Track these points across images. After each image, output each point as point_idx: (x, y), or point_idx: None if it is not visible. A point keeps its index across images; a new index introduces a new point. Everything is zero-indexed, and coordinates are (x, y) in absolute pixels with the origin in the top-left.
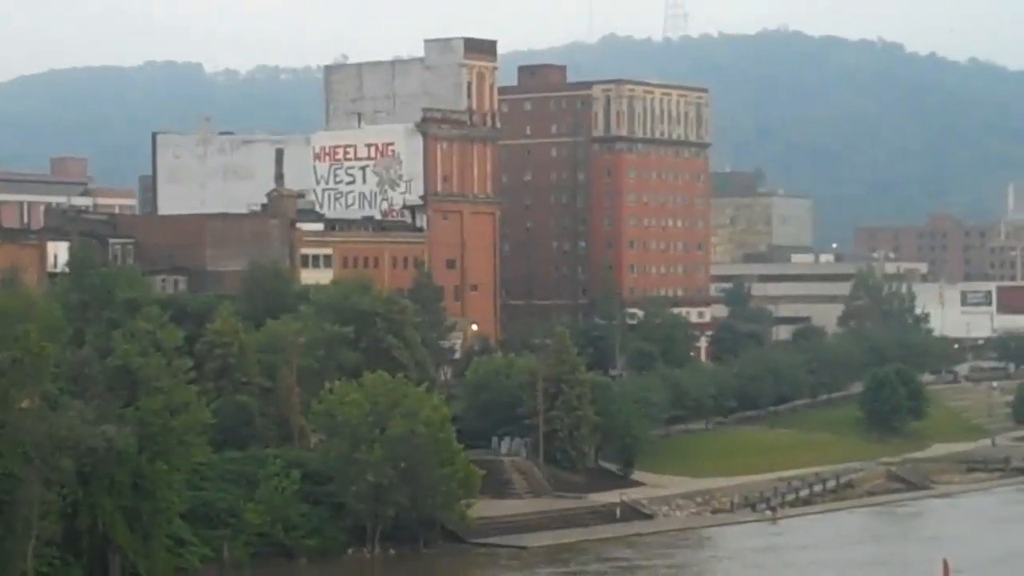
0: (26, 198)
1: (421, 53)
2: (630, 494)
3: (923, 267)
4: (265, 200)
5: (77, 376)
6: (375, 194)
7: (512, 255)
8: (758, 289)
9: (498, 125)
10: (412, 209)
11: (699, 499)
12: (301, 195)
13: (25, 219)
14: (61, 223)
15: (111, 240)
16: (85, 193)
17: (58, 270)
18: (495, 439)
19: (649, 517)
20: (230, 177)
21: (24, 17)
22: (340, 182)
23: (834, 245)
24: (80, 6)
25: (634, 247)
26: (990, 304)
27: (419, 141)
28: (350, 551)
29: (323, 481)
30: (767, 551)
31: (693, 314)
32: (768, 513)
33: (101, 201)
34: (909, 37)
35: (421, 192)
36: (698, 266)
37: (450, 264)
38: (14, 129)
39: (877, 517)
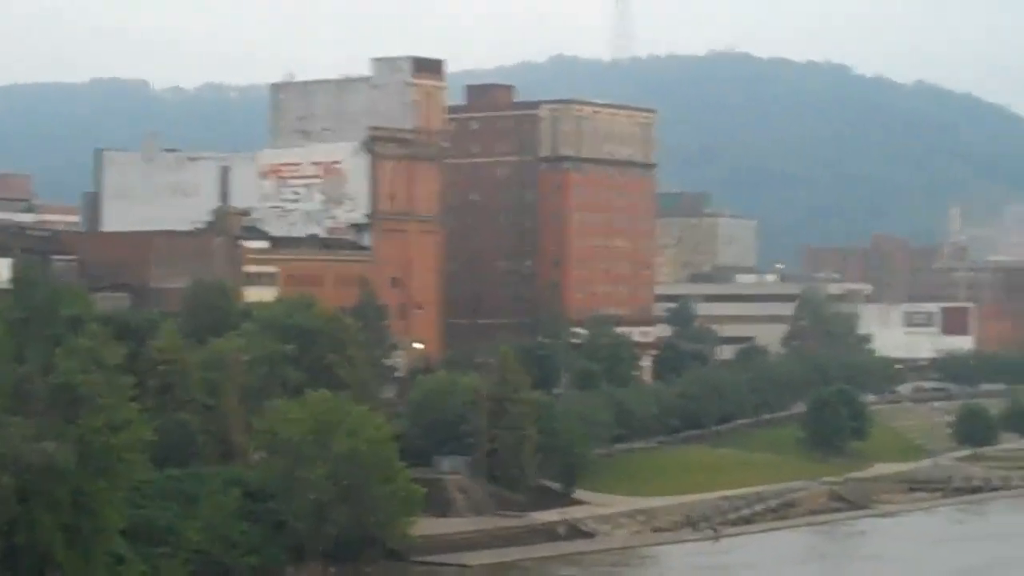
0: None
1: (368, 72)
2: (572, 513)
3: (867, 288)
4: (210, 218)
5: (18, 393)
6: (320, 212)
7: (458, 274)
8: (703, 309)
9: (445, 144)
10: (357, 227)
11: (641, 518)
12: (246, 213)
13: None
14: (3, 239)
15: (54, 257)
16: (28, 209)
17: (0, 287)
18: (437, 457)
19: (591, 536)
20: (175, 194)
21: None
22: (285, 200)
23: (779, 265)
24: (25, 21)
25: (579, 266)
26: (933, 325)
27: (365, 160)
28: (290, 569)
29: (264, 499)
30: (712, 570)
31: (637, 333)
32: (710, 532)
33: (45, 218)
34: (856, 59)
35: (367, 211)
36: (643, 286)
37: (395, 283)
38: None
39: (819, 536)
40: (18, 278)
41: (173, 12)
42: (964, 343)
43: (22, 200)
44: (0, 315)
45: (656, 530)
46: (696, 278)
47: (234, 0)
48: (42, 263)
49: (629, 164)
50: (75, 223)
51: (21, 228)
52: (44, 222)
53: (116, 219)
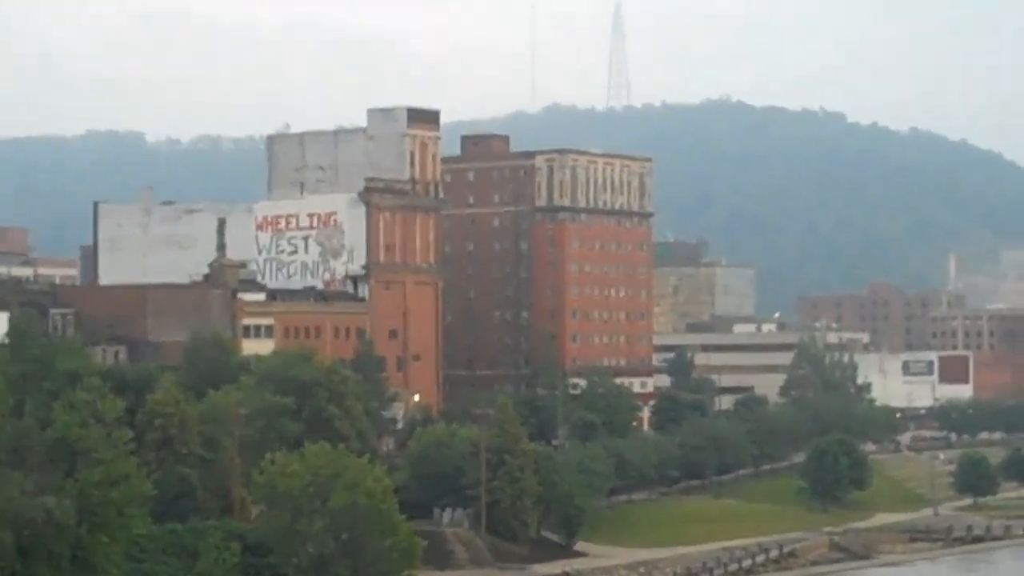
0: None
1: (364, 123)
2: (573, 565)
3: (865, 336)
4: (207, 270)
5: (16, 447)
6: (317, 264)
7: (455, 325)
8: (701, 359)
9: (441, 195)
10: (354, 279)
11: (642, 570)
12: (243, 265)
13: None
14: (1, 293)
15: (51, 310)
16: (25, 263)
17: None
18: (437, 510)
19: None
20: (172, 247)
21: None
22: (282, 252)
23: (776, 314)
24: (20, 74)
25: (577, 317)
26: (932, 374)
27: (362, 211)
28: None
29: (264, 553)
30: None
31: (636, 384)
32: None
33: (42, 271)
34: (851, 107)
35: (364, 262)
36: (641, 336)
37: (392, 334)
38: None
39: None
40: (16, 332)
41: (167, 64)
42: (963, 391)
43: (19, 254)
44: None
45: None
46: (694, 328)
47: (228, 52)
48: (39, 317)
49: (625, 213)
50: (72, 276)
51: (18, 282)
52: (41, 275)
53: (113, 272)
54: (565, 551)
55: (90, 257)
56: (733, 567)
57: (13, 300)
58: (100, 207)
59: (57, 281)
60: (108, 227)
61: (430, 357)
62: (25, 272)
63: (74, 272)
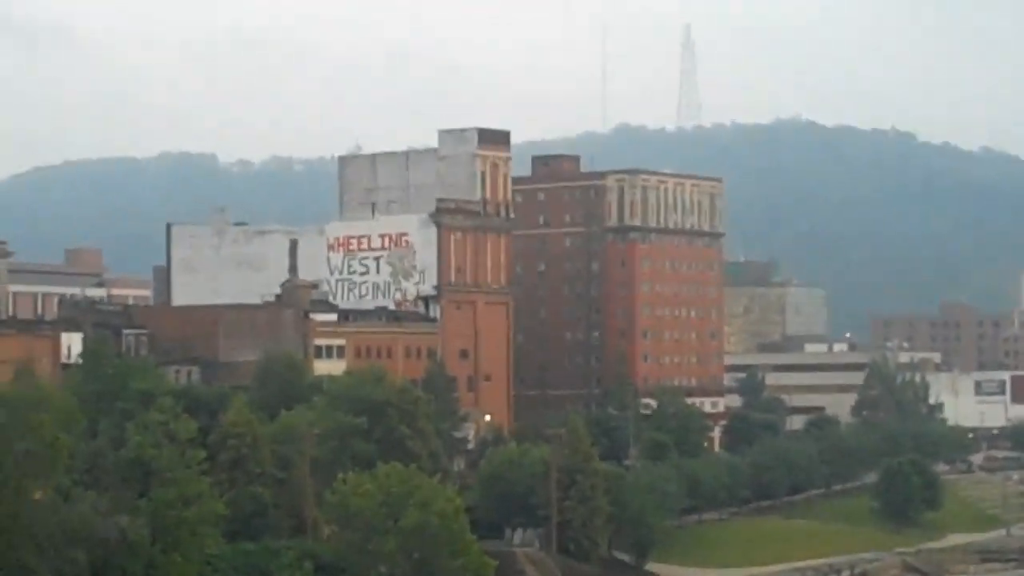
0: (41, 289)
1: (435, 143)
2: None
3: (936, 356)
4: (279, 291)
5: (91, 467)
6: (389, 284)
7: (525, 345)
8: (772, 379)
9: (512, 215)
10: (426, 299)
11: None
12: (315, 286)
13: (39, 310)
14: (75, 314)
15: (125, 331)
16: (99, 284)
17: (72, 361)
18: (508, 529)
19: None
20: (244, 268)
21: (39, 108)
22: (354, 272)
23: (847, 335)
24: (95, 97)
25: (648, 337)
26: (1004, 393)
27: (433, 231)
28: None
29: (336, 572)
30: None
31: (707, 404)
32: None
33: (115, 292)
34: (922, 126)
35: (435, 282)
36: (712, 356)
37: (463, 354)
38: (29, 220)
39: None
40: (90, 352)
41: (239, 87)
42: None
43: (93, 275)
44: (72, 390)
45: None
46: (765, 348)
47: (300, 73)
48: (113, 337)
49: (696, 233)
50: (145, 297)
51: (92, 303)
52: (115, 296)
53: (186, 292)
54: (636, 571)
55: (163, 278)
56: None
57: (87, 321)
58: (173, 228)
59: (130, 302)
60: (181, 248)
61: (501, 377)
62: (99, 293)
63: (147, 293)
